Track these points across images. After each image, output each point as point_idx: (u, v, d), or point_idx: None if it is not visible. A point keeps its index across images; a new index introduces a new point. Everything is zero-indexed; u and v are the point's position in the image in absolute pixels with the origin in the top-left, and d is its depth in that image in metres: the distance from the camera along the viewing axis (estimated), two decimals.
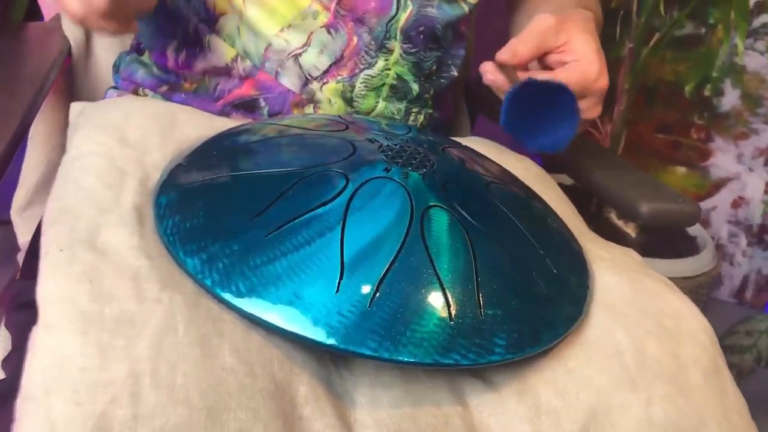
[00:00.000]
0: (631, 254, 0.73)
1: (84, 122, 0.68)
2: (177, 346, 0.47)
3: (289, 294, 0.52)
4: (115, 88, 0.87)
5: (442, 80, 0.89)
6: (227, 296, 0.52)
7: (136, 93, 0.85)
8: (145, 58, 0.86)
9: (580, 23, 0.75)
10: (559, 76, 0.71)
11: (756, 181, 1.82)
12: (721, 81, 1.78)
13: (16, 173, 0.98)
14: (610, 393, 0.56)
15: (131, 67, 0.85)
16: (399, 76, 0.83)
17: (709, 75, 1.78)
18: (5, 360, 0.60)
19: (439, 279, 0.55)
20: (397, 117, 0.84)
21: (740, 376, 1.38)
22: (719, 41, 1.72)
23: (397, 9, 0.80)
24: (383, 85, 0.82)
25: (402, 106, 0.84)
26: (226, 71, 0.81)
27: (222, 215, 0.57)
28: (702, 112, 1.82)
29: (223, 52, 0.80)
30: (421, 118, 0.87)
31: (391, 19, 0.80)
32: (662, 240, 1.62)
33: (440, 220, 0.58)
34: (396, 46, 0.81)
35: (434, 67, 0.86)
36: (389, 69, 0.82)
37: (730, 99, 1.78)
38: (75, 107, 0.72)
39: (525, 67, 0.74)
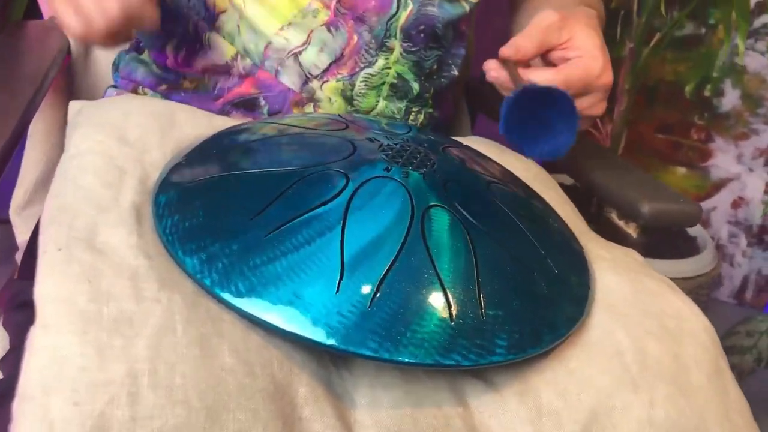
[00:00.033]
0: (632, 254, 0.72)
1: (83, 121, 0.67)
2: (176, 346, 0.47)
3: (289, 294, 0.51)
4: (115, 86, 0.87)
5: (442, 79, 0.89)
6: (227, 296, 0.51)
7: (135, 92, 0.85)
8: (145, 56, 0.86)
9: (584, 19, 0.75)
10: (562, 72, 0.71)
11: (756, 181, 1.82)
12: (722, 81, 1.77)
13: (14, 172, 0.98)
14: (611, 394, 0.56)
15: (131, 65, 0.85)
16: (399, 75, 0.82)
17: (709, 75, 1.77)
18: (3, 360, 0.60)
19: (439, 279, 0.54)
20: (398, 116, 0.84)
21: (740, 376, 1.38)
22: (719, 41, 1.72)
23: (398, 7, 0.79)
24: (383, 83, 0.82)
25: (402, 105, 0.84)
26: (225, 69, 0.81)
27: (221, 215, 0.57)
28: (702, 113, 1.82)
29: (222, 50, 0.80)
30: (421, 117, 0.87)
31: (391, 18, 0.80)
32: (662, 240, 1.62)
33: (441, 220, 0.58)
34: (396, 44, 0.81)
35: (435, 66, 0.86)
36: (389, 68, 0.81)
37: (731, 99, 1.78)
38: (74, 106, 0.72)
39: (528, 64, 0.74)
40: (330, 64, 0.79)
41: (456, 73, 0.90)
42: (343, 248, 0.54)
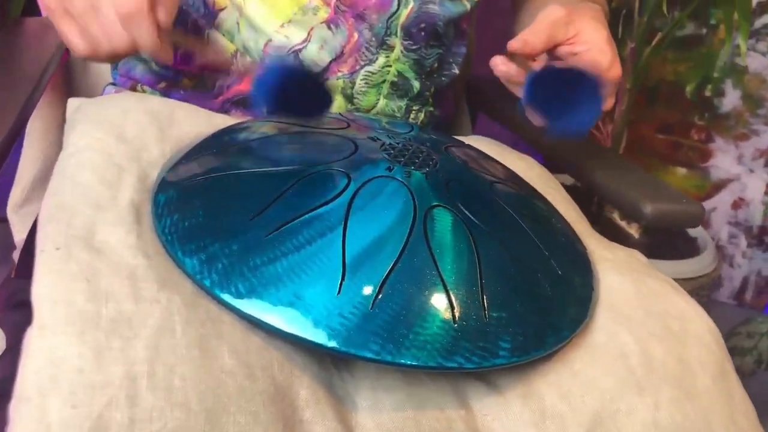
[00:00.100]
0: (636, 255, 0.72)
1: (81, 118, 0.67)
2: (175, 348, 0.47)
3: (290, 295, 0.51)
4: (113, 84, 0.87)
5: (443, 78, 0.88)
6: (226, 297, 0.51)
7: (134, 89, 0.84)
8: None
9: (590, 13, 0.74)
10: (570, 65, 0.70)
11: (756, 182, 1.82)
12: (722, 82, 1.77)
13: (12, 170, 0.97)
14: (616, 397, 0.55)
15: (129, 63, 0.85)
16: (400, 73, 0.82)
17: (710, 75, 1.77)
18: None
19: (442, 280, 0.54)
20: (398, 114, 0.84)
21: (741, 378, 1.38)
22: (720, 42, 1.72)
23: (398, 5, 0.79)
24: (384, 82, 0.81)
25: (403, 103, 0.84)
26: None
27: (221, 214, 0.56)
28: (703, 113, 1.81)
29: (222, 48, 0.79)
30: (421, 116, 0.86)
31: (391, 16, 0.79)
32: (663, 241, 1.61)
33: (444, 220, 0.58)
34: (397, 42, 0.80)
35: (435, 65, 0.85)
36: (390, 66, 0.81)
37: (731, 100, 1.78)
38: (72, 103, 0.71)
39: (534, 60, 0.73)
40: (330, 62, 0.79)
41: (457, 71, 0.89)
42: (344, 249, 0.53)
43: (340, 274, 0.52)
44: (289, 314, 0.50)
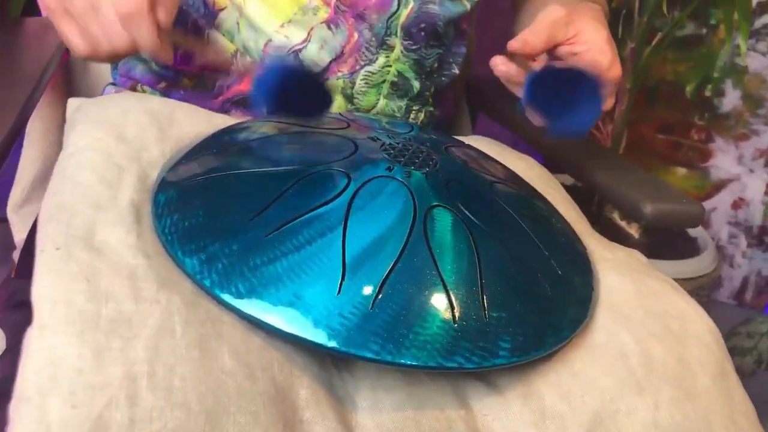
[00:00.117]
0: (636, 255, 0.72)
1: (81, 118, 0.67)
2: (175, 348, 0.46)
3: (290, 295, 0.51)
4: (113, 84, 0.86)
5: (443, 78, 0.88)
6: (226, 297, 0.51)
7: (134, 89, 0.84)
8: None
9: (590, 13, 0.74)
10: (571, 65, 0.70)
11: (756, 182, 1.82)
12: (722, 82, 1.77)
13: (12, 170, 0.97)
14: (616, 397, 0.55)
15: (129, 63, 0.85)
16: (400, 73, 0.82)
17: (710, 75, 1.77)
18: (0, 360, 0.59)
19: (442, 280, 0.54)
20: (398, 114, 0.84)
21: (741, 378, 1.37)
22: (720, 42, 1.72)
23: (398, 5, 0.79)
24: (384, 82, 0.81)
25: (403, 103, 0.84)
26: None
27: (221, 214, 0.56)
28: (703, 113, 1.81)
29: (222, 48, 0.79)
30: (421, 116, 0.86)
31: (391, 16, 0.79)
32: (663, 241, 1.61)
33: (444, 220, 0.58)
34: (397, 42, 0.80)
35: (435, 65, 0.85)
36: (390, 66, 0.81)
37: (731, 100, 1.78)
38: (72, 103, 0.71)
39: (534, 60, 0.73)
40: (330, 62, 0.79)
41: (457, 71, 0.89)
42: (344, 249, 0.53)
43: (340, 274, 0.52)
44: (289, 314, 0.50)
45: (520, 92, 0.70)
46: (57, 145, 0.92)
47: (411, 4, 0.80)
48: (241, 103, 0.80)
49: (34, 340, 0.45)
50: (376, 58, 0.80)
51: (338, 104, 0.80)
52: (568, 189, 0.83)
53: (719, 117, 1.80)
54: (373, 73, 0.80)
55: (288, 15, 0.77)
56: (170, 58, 0.69)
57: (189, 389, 0.45)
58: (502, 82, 0.73)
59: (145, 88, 0.83)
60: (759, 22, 1.69)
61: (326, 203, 0.56)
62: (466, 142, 0.77)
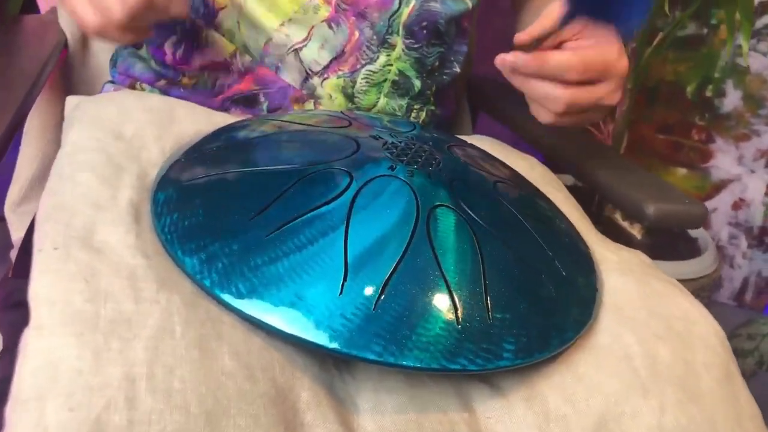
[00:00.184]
0: (639, 256, 0.72)
1: (80, 116, 0.66)
2: (174, 349, 0.46)
3: (291, 295, 0.50)
4: (112, 82, 0.86)
5: (444, 76, 0.88)
6: (227, 297, 0.50)
7: (133, 87, 0.84)
8: (143, 52, 0.85)
9: None
10: (579, 53, 0.69)
11: (757, 183, 1.82)
12: (723, 82, 1.77)
13: (10, 168, 0.97)
14: (620, 399, 0.54)
15: (128, 61, 0.84)
16: (401, 72, 0.81)
17: (710, 76, 1.77)
18: None
19: (445, 281, 0.53)
20: (399, 113, 0.83)
21: None
22: (721, 42, 1.72)
23: (400, 4, 0.79)
24: (385, 80, 0.81)
25: (403, 102, 0.83)
26: (225, 66, 0.80)
27: (221, 214, 0.56)
28: (703, 113, 1.81)
29: (222, 47, 0.79)
30: (422, 114, 0.86)
31: (393, 14, 0.79)
32: (664, 242, 1.61)
33: (447, 220, 0.57)
34: (398, 41, 0.80)
35: (437, 63, 0.85)
36: (391, 65, 0.80)
37: (732, 100, 1.77)
38: (71, 101, 0.71)
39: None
40: (331, 61, 0.79)
41: (458, 70, 0.89)
42: (346, 249, 0.52)
43: (342, 274, 0.51)
44: (291, 315, 0.49)
45: (525, 86, 0.69)
46: (55, 143, 0.91)
47: (412, 3, 0.79)
48: (241, 102, 0.80)
49: (31, 340, 0.45)
50: (377, 57, 0.80)
51: (338, 103, 0.80)
52: (569, 189, 0.83)
53: (720, 117, 1.80)
54: (374, 72, 0.80)
55: (288, 13, 0.77)
56: (185, 11, 0.68)
57: (188, 391, 0.44)
58: (507, 77, 0.73)
59: (145, 86, 0.83)
60: (760, 23, 1.69)
61: (328, 202, 0.55)
62: (469, 142, 0.77)
